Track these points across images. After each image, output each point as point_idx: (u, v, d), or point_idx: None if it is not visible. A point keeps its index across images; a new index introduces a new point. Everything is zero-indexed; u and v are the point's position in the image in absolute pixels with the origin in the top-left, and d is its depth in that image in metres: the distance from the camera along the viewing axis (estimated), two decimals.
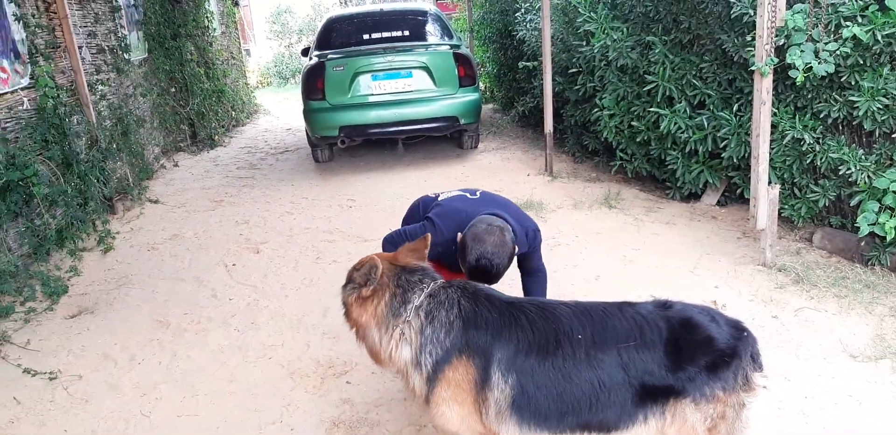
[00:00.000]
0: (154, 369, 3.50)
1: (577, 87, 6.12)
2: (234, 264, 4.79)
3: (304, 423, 2.95)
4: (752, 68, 3.69)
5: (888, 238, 3.65)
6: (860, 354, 3.24)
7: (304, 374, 3.35)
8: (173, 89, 8.35)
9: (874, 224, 3.69)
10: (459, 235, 2.70)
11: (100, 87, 6.06)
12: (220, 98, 9.75)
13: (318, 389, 3.22)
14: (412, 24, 7.69)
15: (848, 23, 3.66)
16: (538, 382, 2.10)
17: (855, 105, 3.86)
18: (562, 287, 4.08)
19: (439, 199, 3.09)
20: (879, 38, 3.54)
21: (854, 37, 3.54)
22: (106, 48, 6.42)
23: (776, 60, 3.67)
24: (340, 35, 7.53)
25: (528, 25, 7.17)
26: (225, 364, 3.50)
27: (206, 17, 9.87)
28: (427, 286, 2.28)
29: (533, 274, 3.14)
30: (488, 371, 2.11)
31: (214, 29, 10.24)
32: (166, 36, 8.17)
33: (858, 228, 3.82)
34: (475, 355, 2.13)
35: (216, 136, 9.18)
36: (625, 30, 5.30)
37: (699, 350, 2.09)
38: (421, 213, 3.13)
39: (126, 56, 6.82)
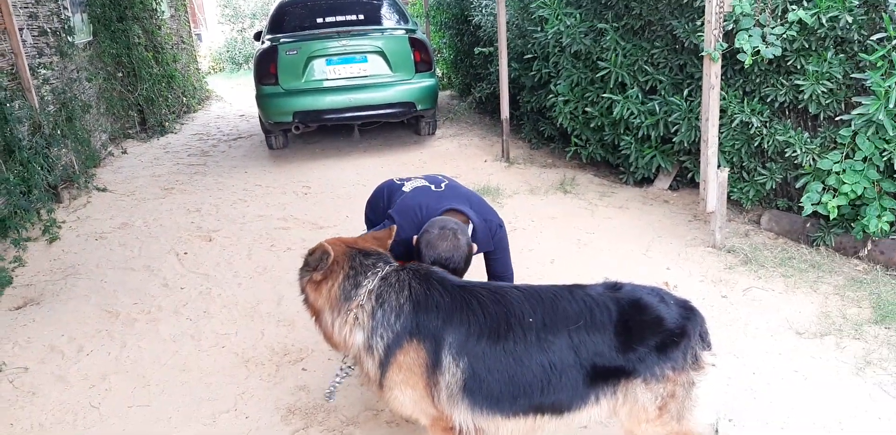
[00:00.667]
0: (103, 360, 3.42)
1: (532, 74, 6.14)
2: (185, 253, 4.70)
3: (260, 410, 2.92)
4: (702, 54, 3.74)
5: (831, 217, 3.76)
6: (806, 331, 3.34)
7: (259, 362, 3.32)
8: (120, 74, 8.11)
9: (817, 204, 3.79)
10: (415, 238, 2.65)
11: (42, 71, 5.85)
12: (170, 83, 9.50)
13: (273, 376, 3.18)
14: (367, 9, 7.59)
15: (794, 6, 3.73)
16: (489, 366, 2.11)
17: (800, 89, 3.95)
18: (518, 271, 4.06)
19: (404, 188, 3.03)
20: (824, 21, 3.62)
21: (800, 20, 3.61)
22: (48, 30, 6.20)
23: (725, 45, 3.73)
24: (294, 18, 7.39)
25: (483, 11, 7.15)
26: (177, 353, 3.44)
27: None
28: (380, 270, 2.27)
29: (499, 280, 3.05)
30: (439, 355, 2.12)
31: (163, 12, 9.95)
32: (112, 18, 7.91)
33: (804, 208, 3.92)
34: (426, 339, 2.13)
35: (166, 123, 8.96)
36: (578, 16, 5.32)
37: (649, 331, 2.12)
38: (385, 200, 3.08)
39: (70, 39, 6.59)
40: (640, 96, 5.02)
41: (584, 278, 3.95)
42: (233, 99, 11.91)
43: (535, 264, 4.22)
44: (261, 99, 6.75)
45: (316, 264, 2.24)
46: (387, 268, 2.28)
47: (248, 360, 3.34)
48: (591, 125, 5.54)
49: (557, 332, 2.12)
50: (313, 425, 2.80)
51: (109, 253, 4.79)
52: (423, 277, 2.26)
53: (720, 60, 3.77)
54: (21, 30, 5.50)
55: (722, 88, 4.34)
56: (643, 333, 2.12)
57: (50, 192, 5.48)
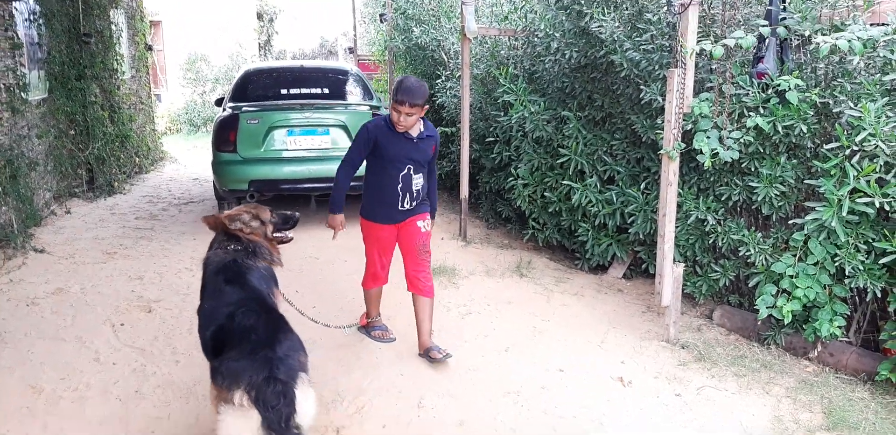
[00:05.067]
0: None
1: (493, 156, 6.23)
2: (122, 324, 4.44)
3: None
4: (661, 152, 3.84)
5: (785, 321, 3.80)
6: None
7: None
8: (73, 132, 7.93)
9: (772, 307, 3.83)
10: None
11: None
12: (123, 143, 9.34)
13: None
14: (332, 82, 7.68)
15: (751, 113, 3.89)
16: None
17: (754, 190, 4.07)
18: (473, 359, 4.00)
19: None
20: (780, 128, 3.78)
21: (757, 126, 3.76)
22: (2, 86, 6.05)
23: (683, 145, 3.84)
24: (258, 88, 7.41)
25: (448, 93, 7.31)
26: None
27: (116, 59, 9.54)
28: None
29: (432, 175, 3.98)
30: None
31: (123, 72, 9.91)
32: (70, 76, 7.80)
33: (757, 309, 3.95)
34: None
35: (116, 183, 8.73)
36: (542, 103, 5.47)
37: None
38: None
39: (24, 95, 6.45)
40: (598, 185, 5.12)
41: (539, 370, 3.89)
42: (188, 161, 11.75)
43: (490, 352, 4.12)
44: (217, 165, 6.66)
45: None
46: None
47: None
48: (549, 210, 5.60)
49: None
50: None
51: (40, 321, 4.50)
52: None
53: (678, 159, 3.87)
54: None
55: (678, 185, 4.46)
56: None
57: None
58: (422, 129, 3.76)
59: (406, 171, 3.74)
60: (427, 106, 3.64)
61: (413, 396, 3.60)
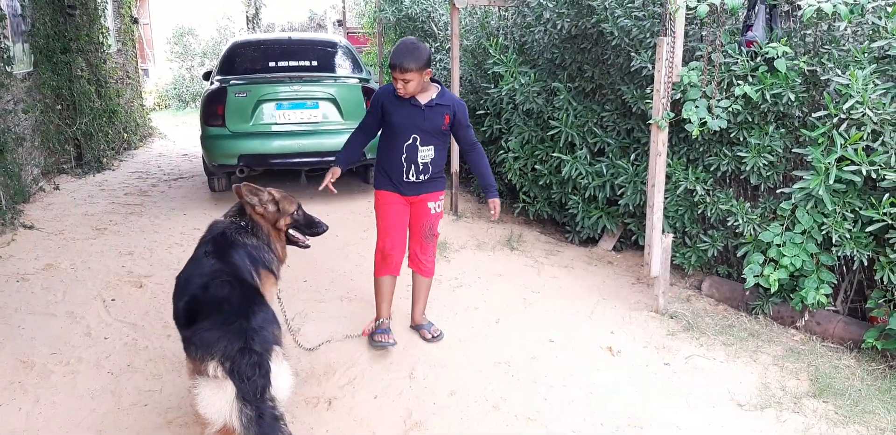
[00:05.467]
0: (13, 416, 3.14)
1: (483, 129, 6.19)
2: (112, 299, 4.44)
3: None
4: (650, 121, 3.82)
5: (772, 290, 3.82)
6: (747, 403, 3.34)
7: (183, 423, 3.10)
8: (59, 107, 7.83)
9: (759, 276, 3.85)
10: None
11: None
12: (111, 118, 9.24)
13: None
14: (321, 55, 7.58)
15: (740, 81, 3.87)
16: None
17: (743, 160, 4.07)
18: (463, 330, 4.03)
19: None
20: (768, 97, 3.76)
21: (745, 95, 3.74)
22: None
23: (672, 115, 3.82)
24: (245, 61, 7.31)
25: (437, 65, 7.23)
26: (94, 411, 3.19)
27: (102, 32, 9.38)
28: None
29: (473, 148, 3.71)
30: None
31: (109, 45, 9.75)
32: (55, 49, 7.67)
33: (745, 279, 3.98)
34: None
35: (104, 159, 8.66)
36: (532, 75, 5.42)
37: None
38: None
39: (8, 69, 6.35)
40: (588, 157, 5.10)
41: (529, 340, 3.93)
42: (177, 137, 11.65)
43: (479, 324, 4.14)
44: (206, 140, 6.60)
45: None
46: None
47: (170, 421, 3.12)
48: (540, 183, 5.59)
49: None
50: None
51: (30, 296, 4.49)
52: None
53: (667, 129, 3.85)
54: None
55: (668, 156, 4.45)
56: None
57: None
58: (433, 97, 3.48)
59: (411, 141, 3.51)
60: (429, 70, 3.39)
61: (404, 366, 3.63)
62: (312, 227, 3.33)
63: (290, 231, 3.27)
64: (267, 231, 3.16)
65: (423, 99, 3.47)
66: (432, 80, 3.51)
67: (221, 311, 2.52)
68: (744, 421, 3.20)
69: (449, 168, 6.48)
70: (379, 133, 3.74)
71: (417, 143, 3.52)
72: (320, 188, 3.64)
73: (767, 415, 3.25)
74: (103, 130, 8.81)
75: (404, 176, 3.58)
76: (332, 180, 3.62)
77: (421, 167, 3.57)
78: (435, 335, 3.89)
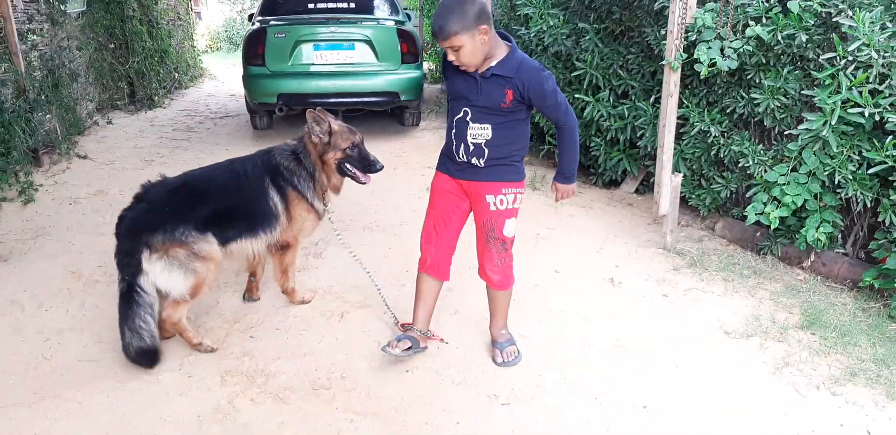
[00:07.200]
0: (61, 317, 3.54)
1: None
2: None
3: (203, 371, 3.06)
4: (663, 63, 3.89)
5: (772, 227, 3.92)
6: (733, 331, 3.50)
7: (210, 327, 3.45)
8: (112, 45, 8.19)
9: (760, 214, 3.94)
10: None
11: (31, 37, 5.94)
12: (162, 58, 9.59)
13: (221, 341, 3.32)
14: None
15: (753, 23, 3.88)
16: None
17: (757, 102, 4.11)
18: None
19: None
20: (780, 38, 3.77)
21: (757, 36, 3.76)
22: None
23: (685, 56, 3.88)
24: (285, 2, 7.50)
25: None
26: None
27: None
28: None
29: (558, 127, 2.89)
30: None
31: None
32: None
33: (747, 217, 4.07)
34: None
35: (156, 97, 9.05)
36: (561, 17, 5.45)
37: None
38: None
39: (62, 7, 6.67)
40: (611, 100, 5.17)
41: (535, 271, 4.13)
42: (226, 78, 12.00)
43: None
44: (247, 79, 6.87)
45: None
46: None
47: (199, 325, 3.47)
48: None
49: None
50: (252, 388, 2.94)
51: (81, 218, 4.90)
52: None
53: (679, 70, 3.91)
54: None
55: (686, 97, 4.51)
56: None
57: (30, 155, 5.59)
58: (492, 65, 2.67)
59: (461, 114, 2.79)
60: (485, 27, 2.54)
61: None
62: (367, 164, 3.37)
63: (347, 165, 3.38)
64: (314, 159, 3.37)
65: (482, 66, 2.69)
66: (502, 36, 2.73)
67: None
68: (727, 348, 3.37)
69: None
70: None
71: (468, 118, 2.79)
72: None
73: (752, 343, 3.40)
74: (155, 70, 9.17)
75: (456, 156, 2.90)
76: None
77: (472, 147, 2.83)
78: (506, 360, 3.18)
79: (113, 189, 5.51)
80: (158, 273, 2.98)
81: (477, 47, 2.57)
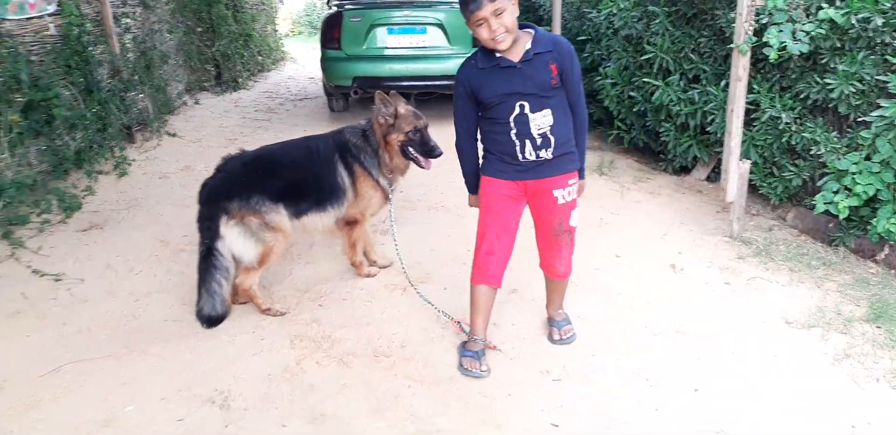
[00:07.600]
0: (149, 280, 3.85)
1: (585, 56, 6.26)
2: None
3: (274, 334, 3.28)
4: (732, 46, 3.84)
5: (841, 217, 3.83)
6: (795, 321, 3.47)
7: (282, 295, 3.68)
8: (200, 29, 8.59)
9: (829, 203, 3.86)
10: None
11: (125, 20, 6.32)
12: (247, 42, 9.97)
13: (292, 308, 3.54)
14: None
15: (827, 5, 3.77)
16: None
17: (831, 88, 4.00)
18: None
19: None
20: (854, 21, 3.66)
21: (830, 19, 3.66)
22: None
23: (755, 39, 3.81)
24: None
25: None
26: None
27: None
28: None
29: (575, 114, 2.87)
30: None
31: None
32: None
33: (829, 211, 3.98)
34: None
35: (240, 79, 9.45)
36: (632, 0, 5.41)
37: None
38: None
39: None
40: (681, 84, 5.11)
41: (596, 255, 4.18)
42: (306, 62, 12.36)
43: None
44: (324, 62, 7.10)
45: None
46: None
47: (273, 293, 3.70)
48: (635, 110, 5.66)
49: None
50: (318, 352, 3.14)
51: (170, 191, 5.24)
52: None
53: (749, 54, 3.85)
54: None
55: (758, 83, 4.43)
56: None
57: (124, 132, 5.98)
58: (527, 47, 2.67)
59: (518, 110, 2.71)
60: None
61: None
62: (427, 149, 3.49)
63: (409, 148, 3.53)
64: (378, 139, 3.54)
65: (515, 55, 2.68)
66: (521, 25, 2.72)
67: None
68: (787, 337, 3.34)
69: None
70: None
71: (527, 110, 2.72)
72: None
73: (813, 333, 3.37)
74: (239, 53, 9.55)
75: (521, 155, 2.79)
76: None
77: (539, 140, 2.76)
78: (564, 337, 3.25)
79: (199, 165, 5.85)
80: (234, 239, 3.23)
81: (513, 14, 2.59)
